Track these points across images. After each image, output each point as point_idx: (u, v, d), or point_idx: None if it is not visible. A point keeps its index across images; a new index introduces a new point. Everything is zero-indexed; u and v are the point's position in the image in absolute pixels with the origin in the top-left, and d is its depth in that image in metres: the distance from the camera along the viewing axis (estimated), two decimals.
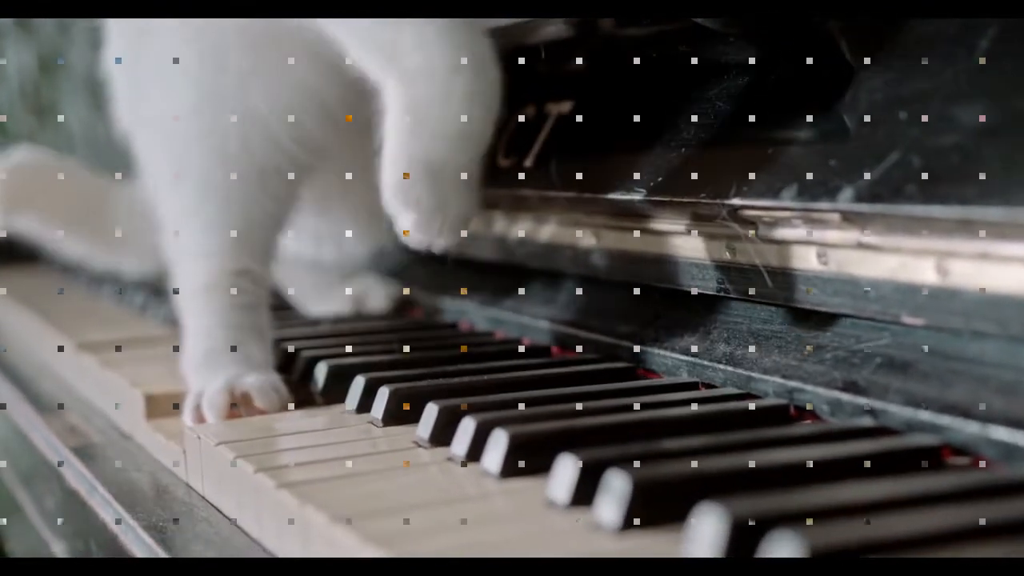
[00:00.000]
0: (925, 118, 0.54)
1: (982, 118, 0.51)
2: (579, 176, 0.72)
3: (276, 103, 0.78)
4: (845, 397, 0.57)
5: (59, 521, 0.80)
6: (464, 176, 0.69)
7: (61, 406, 0.77)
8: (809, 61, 0.62)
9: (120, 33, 0.86)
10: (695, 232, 0.68)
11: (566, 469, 0.51)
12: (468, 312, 0.91)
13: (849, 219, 0.57)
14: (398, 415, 0.66)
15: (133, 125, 0.86)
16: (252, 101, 0.78)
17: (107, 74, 0.89)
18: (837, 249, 0.59)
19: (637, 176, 0.70)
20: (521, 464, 0.55)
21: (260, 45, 0.77)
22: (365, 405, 0.69)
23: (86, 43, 1.82)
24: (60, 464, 0.79)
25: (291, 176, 0.80)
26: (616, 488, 0.48)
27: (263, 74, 0.78)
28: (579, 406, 0.60)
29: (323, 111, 0.79)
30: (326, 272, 1.00)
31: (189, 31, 0.78)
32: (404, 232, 0.70)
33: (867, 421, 0.56)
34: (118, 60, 0.83)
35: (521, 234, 0.84)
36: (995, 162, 0.50)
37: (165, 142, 0.81)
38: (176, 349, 0.78)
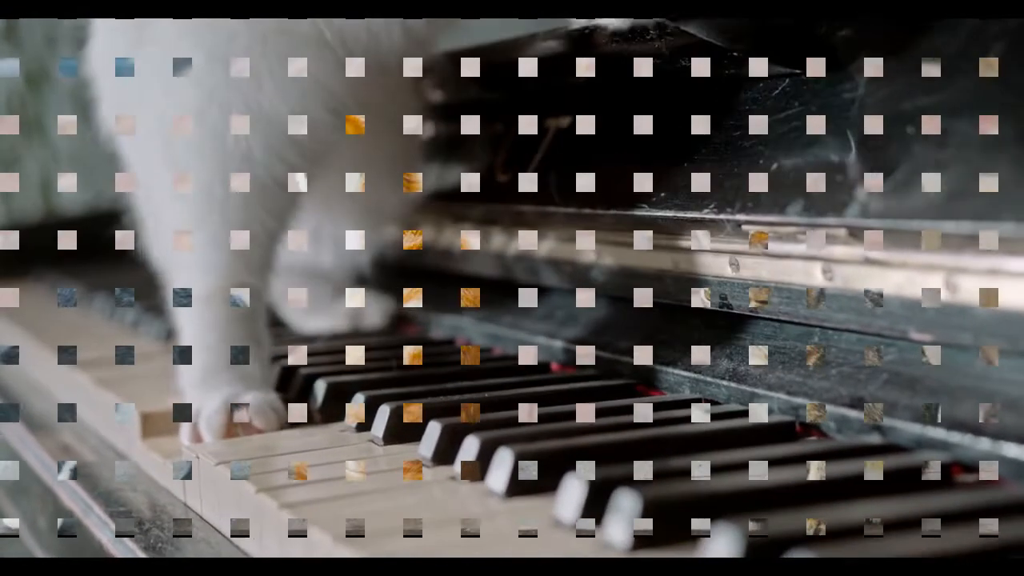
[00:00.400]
0: (933, 132, 0.54)
1: (991, 131, 0.51)
2: (578, 191, 0.71)
3: (283, 104, 0.76)
4: (852, 414, 0.57)
5: (57, 526, 0.79)
6: None
7: (71, 411, 0.76)
8: (814, 74, 0.61)
9: (111, 33, 0.84)
10: (698, 247, 0.67)
11: (574, 488, 0.51)
12: (465, 328, 0.90)
13: (855, 234, 0.57)
14: (399, 433, 0.66)
15: (123, 130, 0.84)
16: (257, 103, 0.76)
17: (92, 74, 0.87)
18: (843, 264, 0.58)
19: (637, 191, 0.69)
20: (527, 482, 0.55)
21: (267, 42, 0.75)
22: (365, 423, 0.69)
23: (74, 55, 1.81)
24: (60, 464, 0.77)
25: (292, 186, 0.77)
26: (626, 507, 0.48)
27: (270, 73, 0.76)
28: (584, 423, 0.60)
29: (330, 109, 0.77)
30: (321, 287, 0.98)
31: (191, 31, 0.76)
32: None
33: (875, 438, 0.55)
34: (120, 63, 0.80)
35: (520, 249, 0.83)
36: (1004, 176, 0.50)
37: (163, 150, 0.78)
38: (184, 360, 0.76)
